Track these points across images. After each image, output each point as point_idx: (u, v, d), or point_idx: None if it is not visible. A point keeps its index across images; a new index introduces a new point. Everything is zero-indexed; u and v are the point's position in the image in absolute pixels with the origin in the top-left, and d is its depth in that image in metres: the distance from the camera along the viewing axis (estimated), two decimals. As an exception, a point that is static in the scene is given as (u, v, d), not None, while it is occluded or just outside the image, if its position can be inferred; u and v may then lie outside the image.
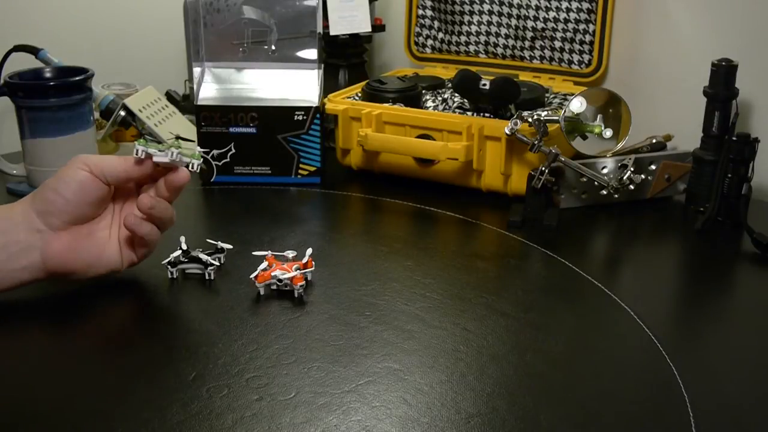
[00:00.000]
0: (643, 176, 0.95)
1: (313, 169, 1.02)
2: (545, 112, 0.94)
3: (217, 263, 0.78)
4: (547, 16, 1.14)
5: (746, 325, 0.73)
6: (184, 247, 0.77)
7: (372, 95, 1.06)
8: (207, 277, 0.77)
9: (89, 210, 0.71)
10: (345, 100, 1.05)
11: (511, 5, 1.17)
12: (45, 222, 0.69)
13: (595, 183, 0.93)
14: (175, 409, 0.57)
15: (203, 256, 0.77)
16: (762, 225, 0.86)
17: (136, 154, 0.70)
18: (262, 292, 0.74)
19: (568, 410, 0.59)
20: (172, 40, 1.28)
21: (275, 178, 1.02)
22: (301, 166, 1.02)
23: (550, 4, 1.13)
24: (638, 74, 1.12)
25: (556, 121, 0.92)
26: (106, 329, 0.70)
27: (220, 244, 0.80)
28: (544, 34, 1.15)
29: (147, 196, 0.71)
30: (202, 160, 0.73)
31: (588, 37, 1.12)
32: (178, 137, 0.73)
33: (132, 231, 0.71)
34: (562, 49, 1.14)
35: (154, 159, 0.70)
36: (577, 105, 0.93)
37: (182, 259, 0.77)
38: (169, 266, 0.77)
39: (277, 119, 1.00)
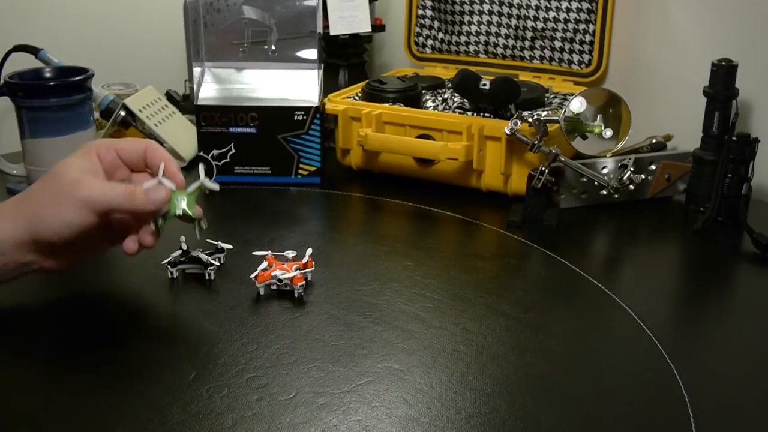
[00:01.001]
0: (643, 176, 0.95)
1: (313, 169, 1.02)
2: (545, 112, 0.94)
3: (217, 263, 0.78)
4: (547, 16, 1.14)
5: (746, 325, 0.72)
6: (184, 247, 0.77)
7: (372, 95, 1.06)
8: (207, 277, 0.77)
9: (89, 239, 0.68)
10: (345, 100, 1.05)
11: (511, 5, 1.17)
12: (41, 251, 0.66)
13: (595, 183, 0.93)
14: (175, 409, 0.57)
15: (203, 256, 0.77)
16: (762, 225, 0.86)
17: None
18: (262, 292, 0.74)
19: (568, 410, 0.59)
20: (172, 40, 1.28)
21: (275, 178, 1.02)
22: (301, 166, 1.02)
23: (550, 4, 1.13)
24: (638, 74, 1.12)
25: (556, 121, 0.92)
26: (106, 329, 0.70)
27: (220, 244, 0.80)
28: (544, 34, 1.15)
29: (131, 241, 0.68)
30: (206, 225, 0.71)
31: (588, 37, 1.12)
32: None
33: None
34: (562, 49, 1.14)
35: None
36: (577, 105, 0.93)
37: (182, 259, 0.77)
38: (169, 266, 0.77)
39: (277, 119, 1.00)
